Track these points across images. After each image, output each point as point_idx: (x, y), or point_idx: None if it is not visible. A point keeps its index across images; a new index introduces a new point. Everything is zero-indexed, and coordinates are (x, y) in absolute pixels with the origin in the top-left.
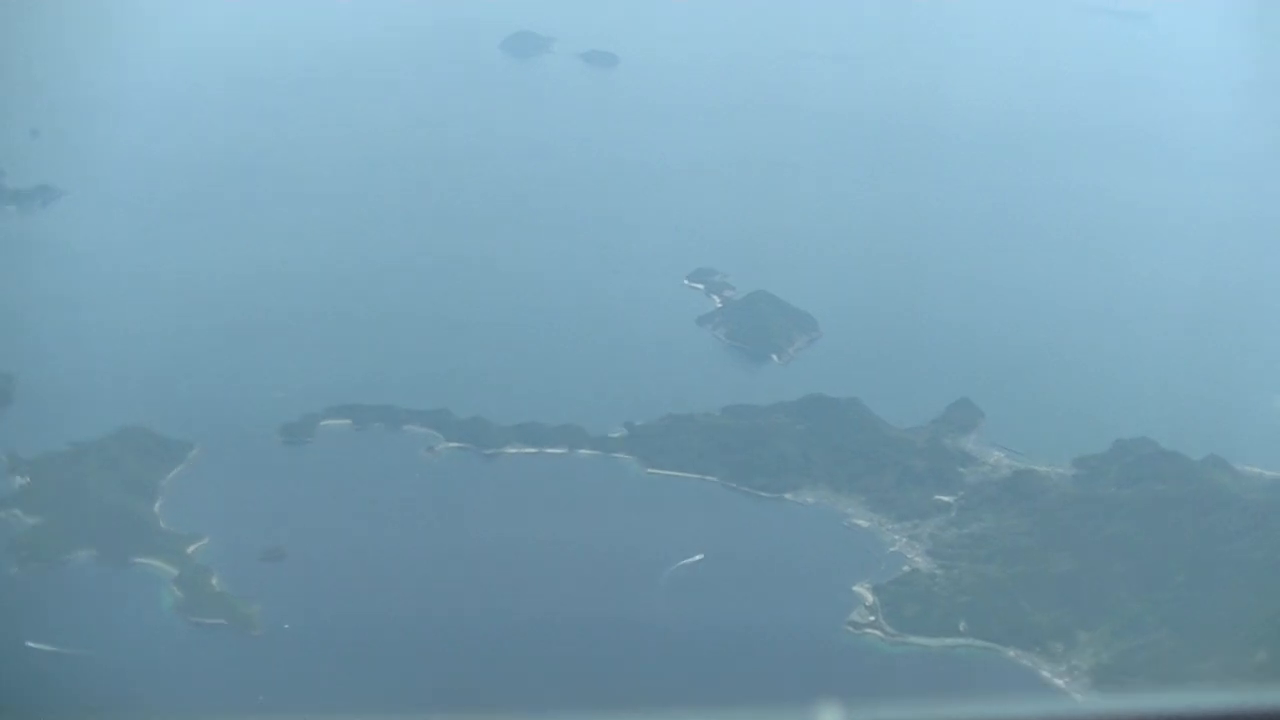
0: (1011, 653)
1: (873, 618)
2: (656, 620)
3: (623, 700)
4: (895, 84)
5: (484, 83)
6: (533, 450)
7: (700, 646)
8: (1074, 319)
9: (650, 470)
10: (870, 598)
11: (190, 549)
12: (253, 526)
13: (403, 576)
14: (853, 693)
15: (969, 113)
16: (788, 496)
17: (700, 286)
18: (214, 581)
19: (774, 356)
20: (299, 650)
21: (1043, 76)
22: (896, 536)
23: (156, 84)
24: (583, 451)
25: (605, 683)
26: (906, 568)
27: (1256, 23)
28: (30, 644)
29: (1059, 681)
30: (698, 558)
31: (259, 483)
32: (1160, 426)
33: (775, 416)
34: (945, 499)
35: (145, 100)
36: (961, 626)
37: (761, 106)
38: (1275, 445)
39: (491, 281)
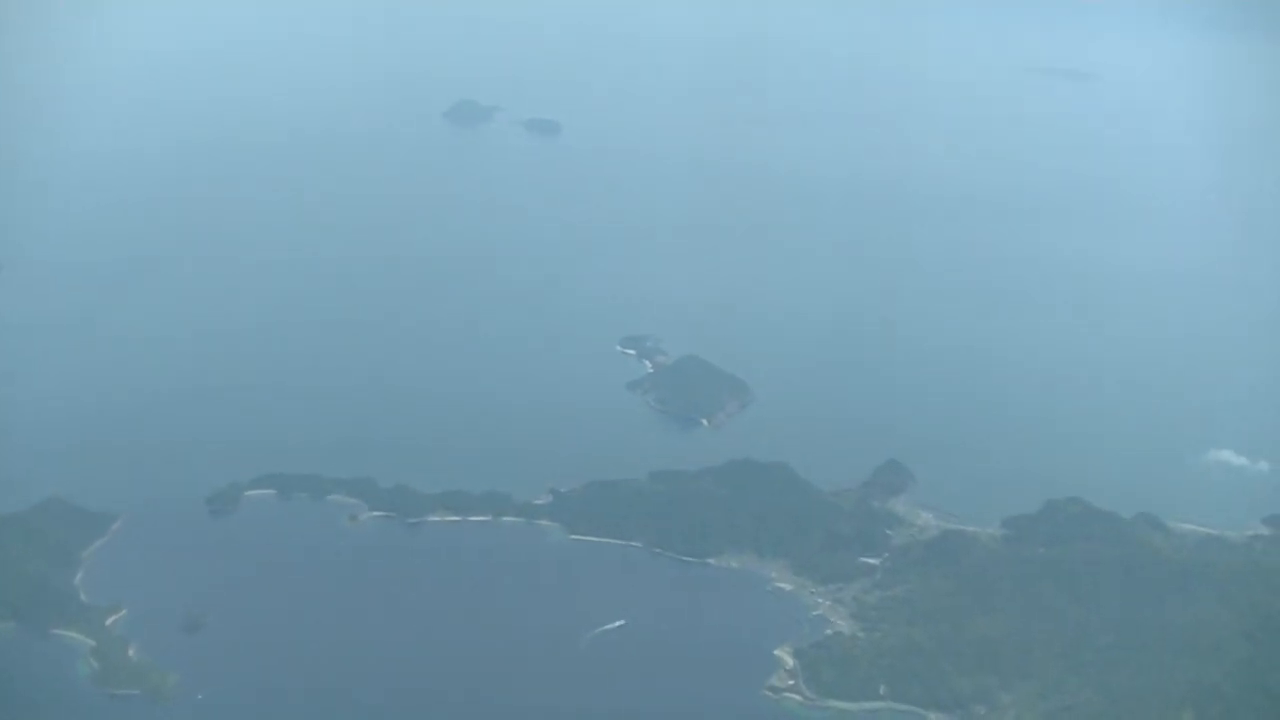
0: (932, 716)
1: (792, 681)
2: (574, 685)
3: None
4: (839, 147)
5: (425, 150)
6: (456, 518)
7: (617, 712)
8: (1009, 379)
9: (574, 537)
10: (791, 661)
11: (109, 620)
12: (174, 597)
13: (320, 646)
14: None
15: (910, 176)
16: (711, 561)
17: (633, 352)
18: (131, 652)
19: (704, 421)
20: None
21: (989, 138)
22: (820, 600)
23: (95, 150)
24: (507, 519)
25: None
26: (829, 631)
27: (1202, 83)
28: None
29: None
30: (619, 623)
31: (182, 553)
32: (1093, 485)
33: (701, 482)
34: (871, 561)
35: (81, 168)
36: (882, 690)
37: (701, 172)
38: (1209, 501)
39: (423, 349)
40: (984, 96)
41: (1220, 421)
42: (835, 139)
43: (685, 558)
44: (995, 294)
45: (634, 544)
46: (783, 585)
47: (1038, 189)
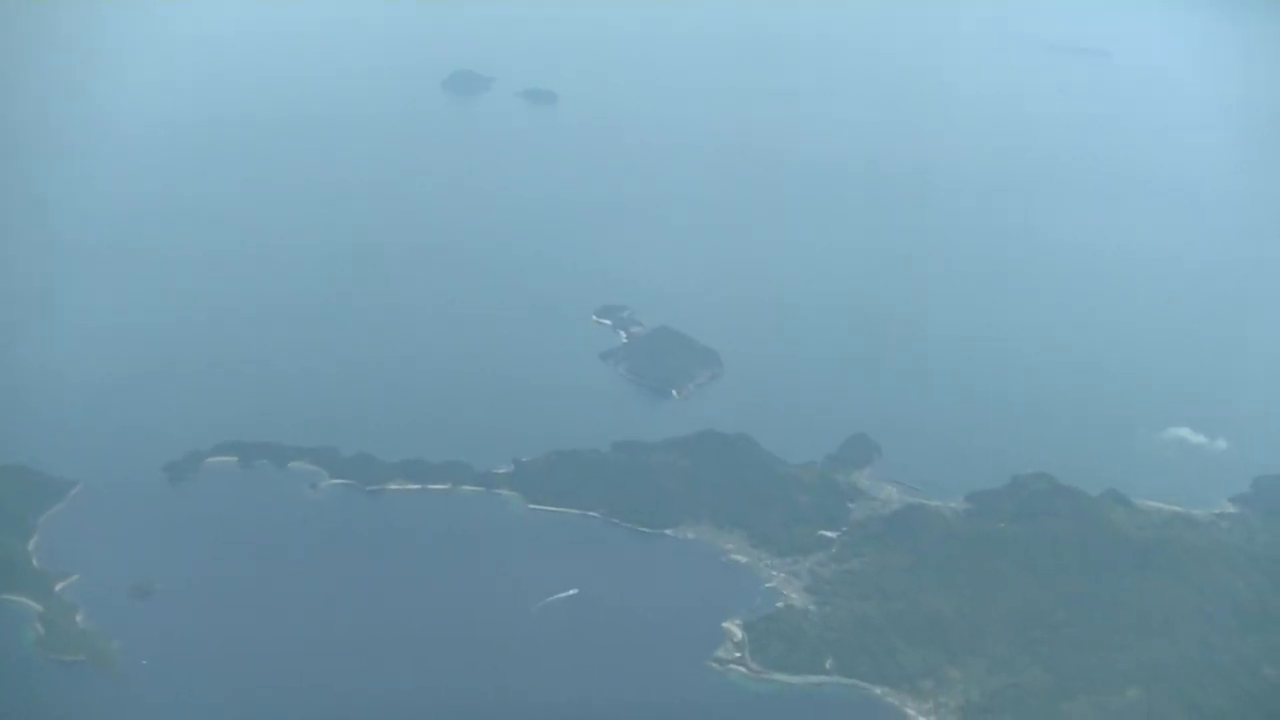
0: (878, 690)
1: (739, 654)
2: (520, 653)
3: None
4: (841, 126)
5: (420, 120)
6: (416, 487)
7: (559, 680)
8: (981, 355)
9: (533, 506)
10: (739, 634)
11: (59, 586)
12: (127, 563)
13: (269, 613)
14: None
15: (911, 155)
16: (668, 532)
17: (608, 322)
18: (78, 618)
19: (674, 392)
20: (152, 687)
21: (993, 116)
22: (774, 573)
23: (88, 125)
24: (467, 487)
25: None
26: (780, 604)
27: (1212, 60)
28: None
29: None
30: (571, 592)
31: (138, 520)
32: (1062, 461)
33: (664, 453)
34: (829, 535)
35: (71, 141)
36: (828, 664)
37: (696, 147)
38: (1176, 479)
39: (401, 319)
40: (994, 74)
41: (1179, 399)
42: (838, 118)
43: (642, 528)
44: (973, 272)
45: (592, 514)
46: (738, 557)
47: (1036, 168)
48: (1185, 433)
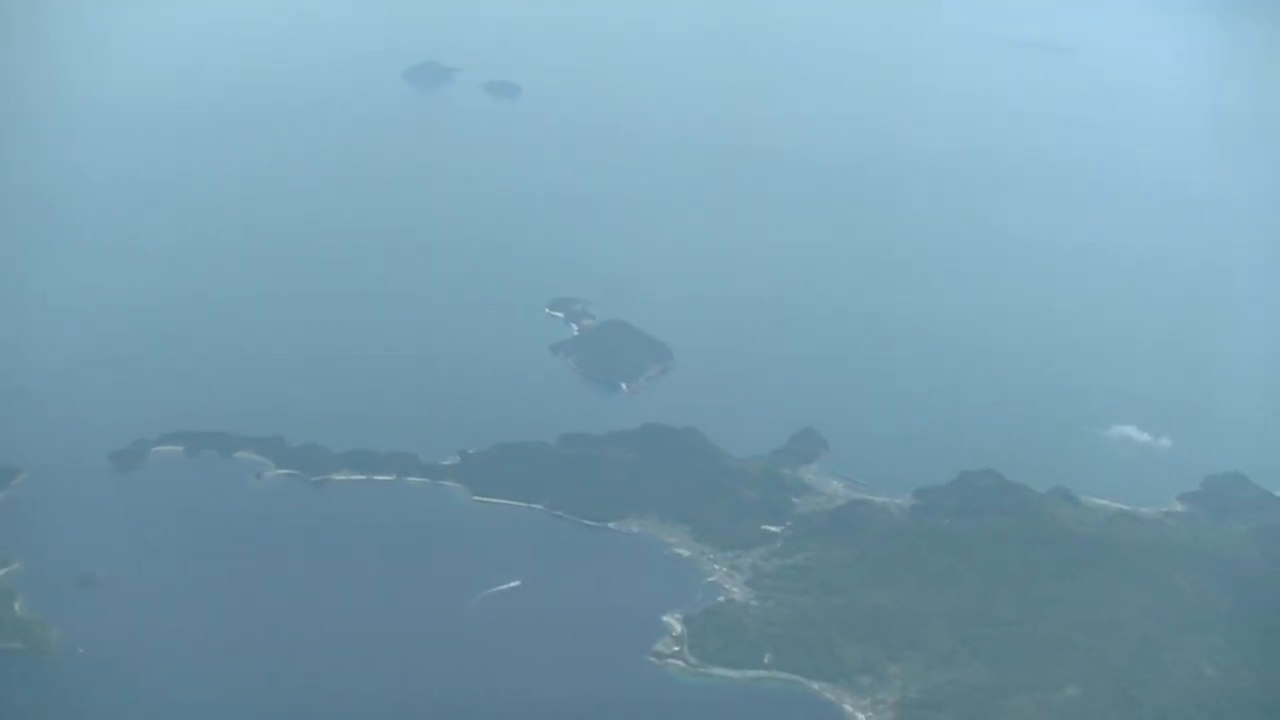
0: (815, 686)
1: (677, 648)
2: (457, 645)
3: None
4: (806, 120)
5: (380, 111)
6: (361, 477)
7: (495, 672)
8: (932, 350)
9: (477, 498)
10: (678, 628)
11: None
12: (70, 552)
13: (209, 603)
14: None
15: (874, 149)
16: (612, 525)
17: (560, 315)
18: (17, 606)
19: (623, 385)
20: (90, 676)
21: (959, 112)
22: (717, 566)
23: (42, 111)
24: (412, 479)
25: (390, 708)
26: (721, 598)
27: (1176, 58)
28: None
29: (860, 716)
30: (513, 584)
31: (83, 508)
32: (1011, 458)
33: (610, 446)
34: (772, 529)
35: (21, 126)
36: (766, 659)
37: (658, 141)
38: (1124, 476)
39: (352, 310)
40: (957, 71)
41: (1124, 397)
42: (803, 113)
43: (586, 521)
44: (928, 269)
45: (536, 506)
46: (681, 551)
47: (995, 164)
48: (1131, 430)
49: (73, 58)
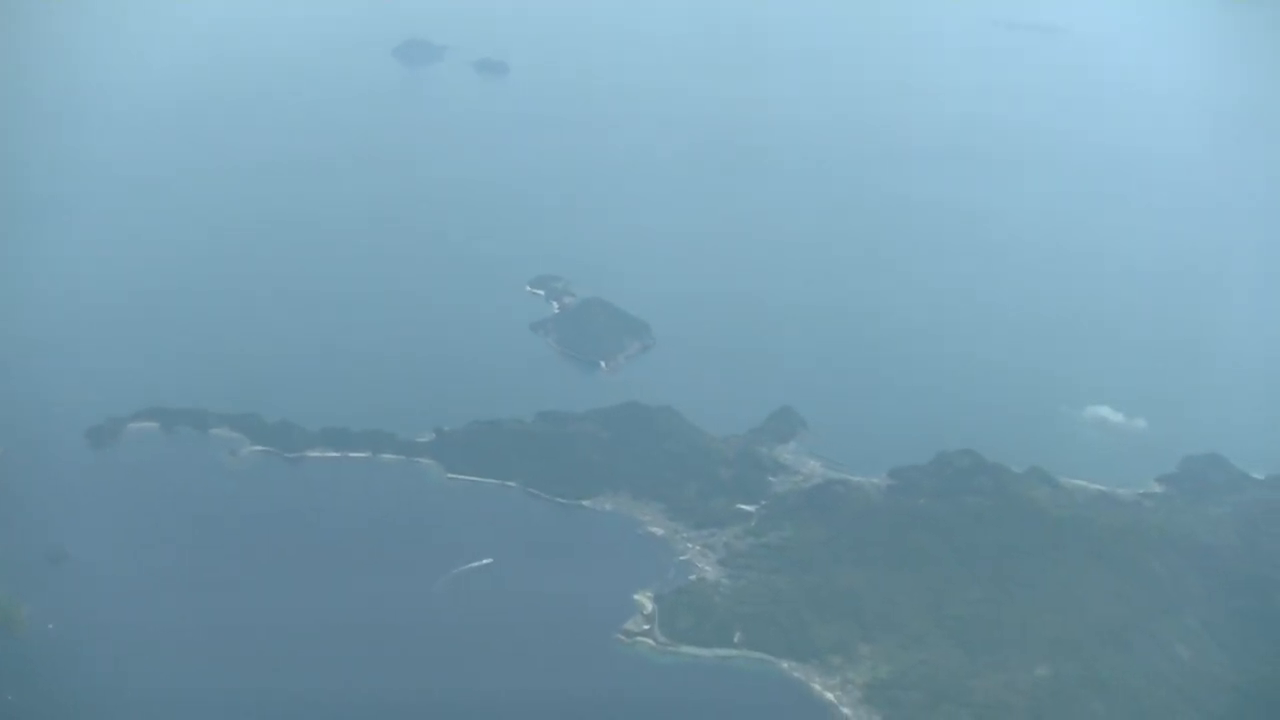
0: (785, 665)
1: (647, 626)
2: (426, 622)
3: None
4: (793, 97)
5: (369, 88)
6: (336, 455)
7: (464, 650)
8: (913, 330)
9: (451, 475)
10: (649, 606)
11: None
12: (43, 528)
13: (180, 580)
14: (608, 702)
15: (861, 127)
16: (585, 503)
17: (541, 292)
18: None
19: (602, 363)
20: (57, 652)
21: (945, 90)
22: (690, 545)
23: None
24: (386, 456)
25: (359, 686)
26: (693, 576)
27: (1163, 36)
28: None
29: (829, 695)
30: (485, 561)
31: (58, 485)
32: (989, 438)
33: (586, 424)
34: (747, 508)
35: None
36: (736, 637)
37: (646, 118)
38: (1103, 457)
39: (336, 284)
40: (946, 49)
41: (1099, 378)
42: (790, 92)
43: (560, 499)
44: (909, 249)
45: (510, 484)
46: (655, 530)
47: (982, 145)
48: (1105, 411)
49: (54, 38)
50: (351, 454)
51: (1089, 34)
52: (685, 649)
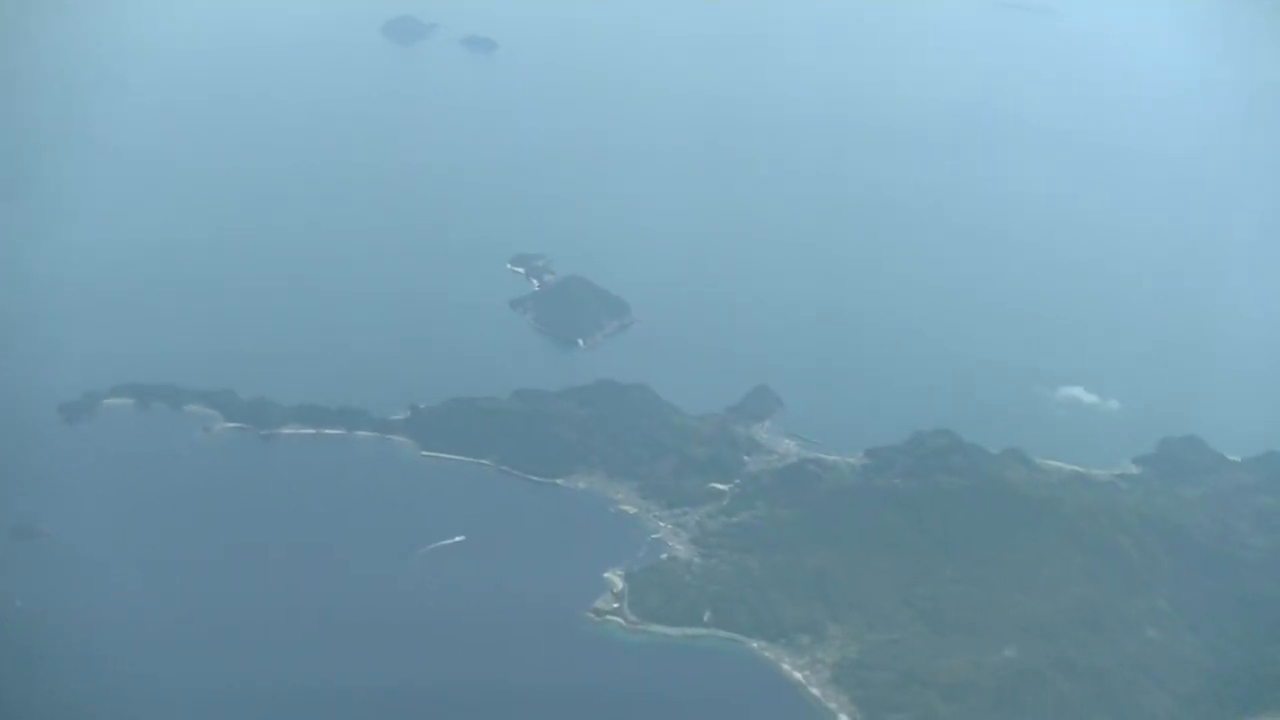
0: (754, 644)
1: (617, 605)
2: (398, 599)
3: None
4: (785, 78)
5: (357, 64)
6: (310, 431)
7: (434, 627)
8: (891, 311)
9: (425, 453)
10: (620, 585)
11: None
12: (12, 504)
13: (151, 557)
14: (575, 681)
15: (851, 108)
16: (559, 482)
17: (521, 270)
18: None
19: (580, 341)
20: (27, 628)
21: (932, 71)
22: (662, 524)
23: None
24: (361, 433)
25: (329, 662)
26: (664, 555)
27: (1156, 20)
28: None
29: (798, 675)
30: (458, 539)
31: (29, 460)
32: (968, 418)
33: (562, 402)
34: (720, 487)
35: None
36: (706, 616)
37: (634, 96)
38: (1079, 438)
39: (315, 260)
40: (936, 29)
41: (1078, 360)
42: (780, 70)
43: (533, 477)
44: (890, 228)
45: (484, 462)
46: (627, 508)
47: (969, 124)
48: (1078, 392)
49: (45, 17)
50: (326, 431)
51: (1084, 16)
52: (655, 628)
